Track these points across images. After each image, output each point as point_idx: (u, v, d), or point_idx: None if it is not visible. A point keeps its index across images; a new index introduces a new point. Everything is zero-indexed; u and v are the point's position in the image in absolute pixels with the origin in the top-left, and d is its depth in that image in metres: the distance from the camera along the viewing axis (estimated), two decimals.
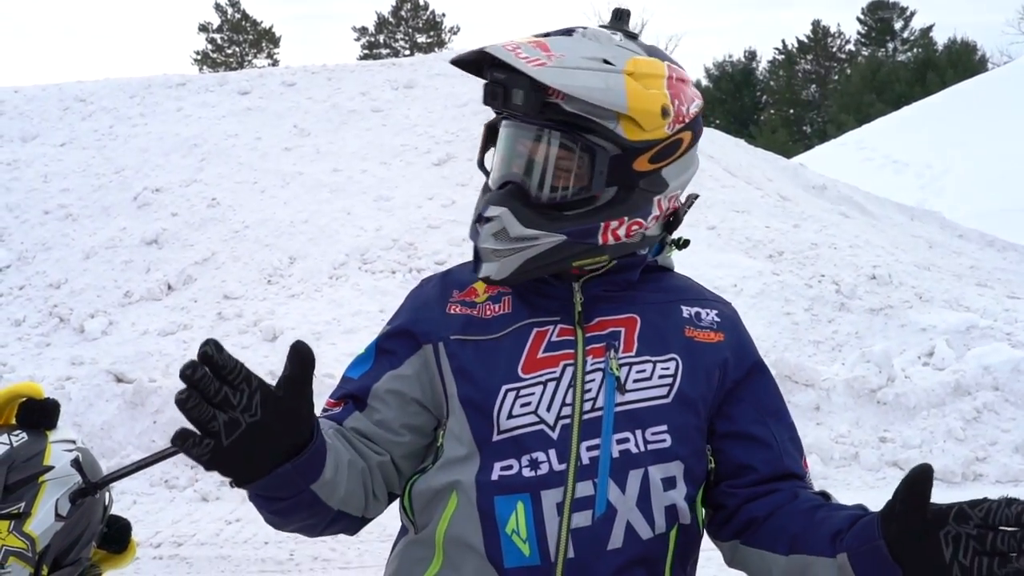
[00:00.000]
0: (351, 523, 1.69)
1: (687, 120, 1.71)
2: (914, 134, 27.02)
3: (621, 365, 1.68)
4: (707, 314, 1.78)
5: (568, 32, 1.74)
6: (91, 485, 1.71)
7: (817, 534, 1.55)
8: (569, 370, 1.66)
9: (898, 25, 54.61)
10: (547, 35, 1.71)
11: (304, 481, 1.51)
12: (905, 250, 10.96)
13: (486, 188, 1.73)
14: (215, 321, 8.98)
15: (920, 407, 7.23)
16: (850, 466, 6.50)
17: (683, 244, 1.88)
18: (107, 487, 1.74)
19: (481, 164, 1.80)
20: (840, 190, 13.61)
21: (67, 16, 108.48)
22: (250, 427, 1.35)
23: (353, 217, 10.66)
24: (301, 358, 1.40)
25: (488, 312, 1.75)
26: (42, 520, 1.65)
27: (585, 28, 1.77)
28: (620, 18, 1.81)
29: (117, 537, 1.83)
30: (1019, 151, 23.31)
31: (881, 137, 28.20)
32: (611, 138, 1.64)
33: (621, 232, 1.69)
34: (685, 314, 1.77)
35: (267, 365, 7.92)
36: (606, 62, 1.65)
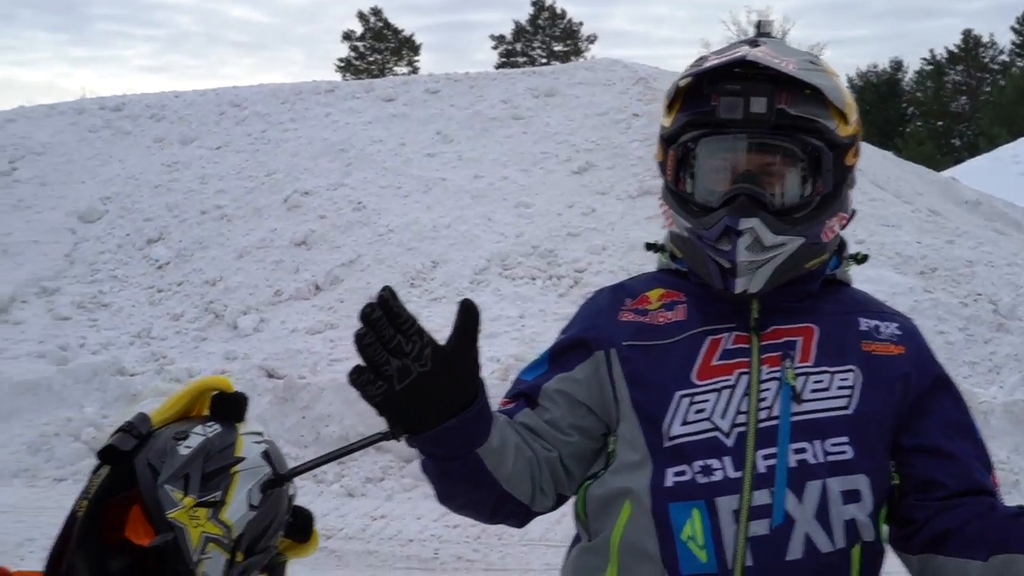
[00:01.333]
0: (517, 510, 1.72)
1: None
2: None
3: (798, 375, 1.66)
4: (886, 327, 1.75)
5: (754, 42, 1.74)
6: (280, 477, 1.76)
7: (1022, 532, 1.51)
8: (744, 378, 1.65)
9: None
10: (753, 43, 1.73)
11: (471, 441, 1.55)
12: None
13: (689, 203, 1.72)
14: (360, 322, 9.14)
15: None
16: (1010, 494, 6.22)
17: (861, 259, 1.87)
18: (292, 479, 1.80)
19: (675, 187, 1.76)
20: (995, 206, 13.12)
21: (219, 22, 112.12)
22: (420, 376, 1.41)
23: (494, 223, 10.72)
24: (469, 315, 1.44)
25: (661, 319, 1.75)
26: (236, 509, 1.68)
27: (764, 37, 1.79)
28: (763, 30, 1.84)
29: (302, 527, 1.88)
30: None
31: None
32: (830, 137, 1.67)
33: (836, 228, 1.72)
34: (863, 327, 1.74)
35: None
36: (812, 63, 1.69)
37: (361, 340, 1.39)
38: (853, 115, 1.71)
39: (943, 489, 1.65)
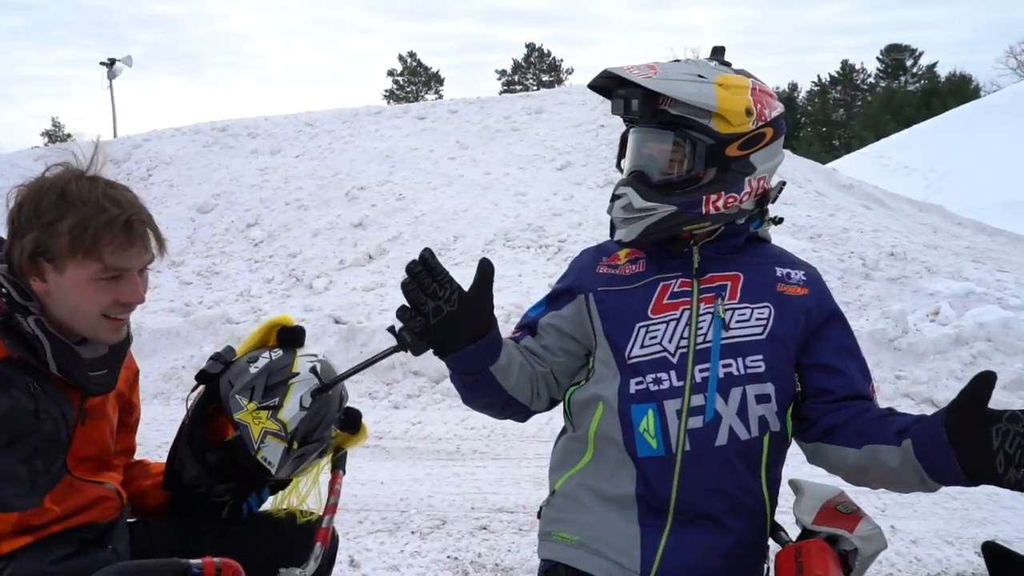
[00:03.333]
0: (520, 411, 1.74)
1: (768, 119, 1.65)
2: (921, 147, 25.61)
3: (726, 310, 1.62)
4: (796, 274, 1.71)
5: (676, 61, 1.70)
6: (324, 386, 1.72)
7: (886, 430, 1.49)
8: (686, 312, 1.63)
9: (909, 63, 51.73)
10: (657, 62, 1.67)
11: (484, 361, 1.58)
12: (915, 234, 10.39)
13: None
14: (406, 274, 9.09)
15: (928, 353, 6.86)
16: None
17: (778, 221, 1.80)
18: (337, 385, 1.75)
19: (618, 165, 1.75)
20: (864, 188, 12.93)
21: (298, 66, 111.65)
22: (450, 314, 1.48)
23: (499, 207, 10.64)
24: (485, 271, 1.52)
25: (628, 271, 1.73)
26: (290, 410, 1.65)
27: (688, 59, 1.73)
28: (717, 52, 1.75)
29: (351, 422, 1.83)
30: (1004, 159, 22.05)
31: (895, 148, 26.81)
32: (707, 132, 1.61)
33: (720, 204, 1.63)
34: (778, 274, 1.70)
35: None
36: (700, 76, 1.62)
37: (406, 287, 1.46)
38: (739, 119, 1.61)
39: (831, 395, 1.62)
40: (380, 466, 5.24)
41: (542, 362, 1.72)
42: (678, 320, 1.62)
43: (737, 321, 1.61)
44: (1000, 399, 6.29)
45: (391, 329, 1.72)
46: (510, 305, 7.98)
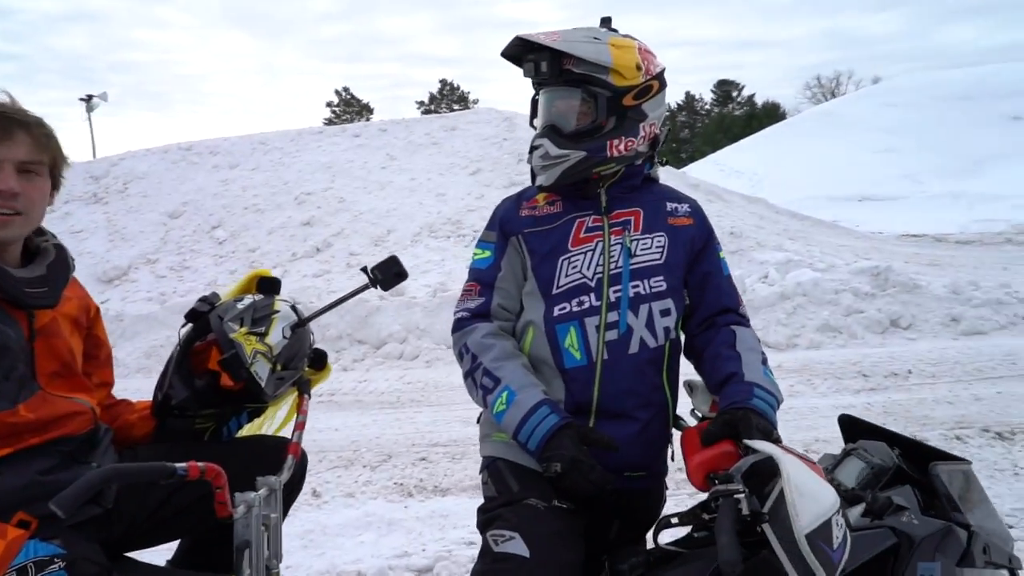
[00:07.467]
0: None
1: (654, 73, 1.59)
2: (746, 155, 26.74)
3: (632, 240, 1.58)
4: (682, 207, 1.67)
5: (573, 29, 1.62)
6: (302, 320, 1.65)
7: (716, 374, 1.56)
8: (600, 244, 1.57)
9: (735, 94, 53.80)
10: (557, 30, 1.60)
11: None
12: (747, 219, 10.75)
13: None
14: (344, 269, 8.80)
15: (761, 307, 7.09)
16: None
17: (664, 163, 1.75)
18: (309, 322, 1.67)
19: (531, 123, 1.65)
20: (707, 186, 13.27)
21: (248, 100, 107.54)
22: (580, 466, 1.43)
23: (423, 206, 10.44)
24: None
25: (547, 211, 1.64)
26: (275, 337, 1.56)
27: (582, 26, 1.65)
28: (606, 21, 1.66)
29: (319, 360, 1.73)
30: (807, 165, 23.23)
31: (727, 158, 27.87)
32: (605, 85, 1.54)
33: (621, 148, 1.57)
34: (668, 208, 1.65)
35: (374, 290, 7.74)
36: (595, 38, 1.55)
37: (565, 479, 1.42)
38: (631, 73, 1.54)
39: (705, 310, 1.63)
40: (333, 416, 5.04)
41: (510, 315, 1.62)
42: (593, 251, 1.57)
43: (641, 249, 1.58)
44: (814, 338, 6.56)
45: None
46: (436, 284, 7.85)
